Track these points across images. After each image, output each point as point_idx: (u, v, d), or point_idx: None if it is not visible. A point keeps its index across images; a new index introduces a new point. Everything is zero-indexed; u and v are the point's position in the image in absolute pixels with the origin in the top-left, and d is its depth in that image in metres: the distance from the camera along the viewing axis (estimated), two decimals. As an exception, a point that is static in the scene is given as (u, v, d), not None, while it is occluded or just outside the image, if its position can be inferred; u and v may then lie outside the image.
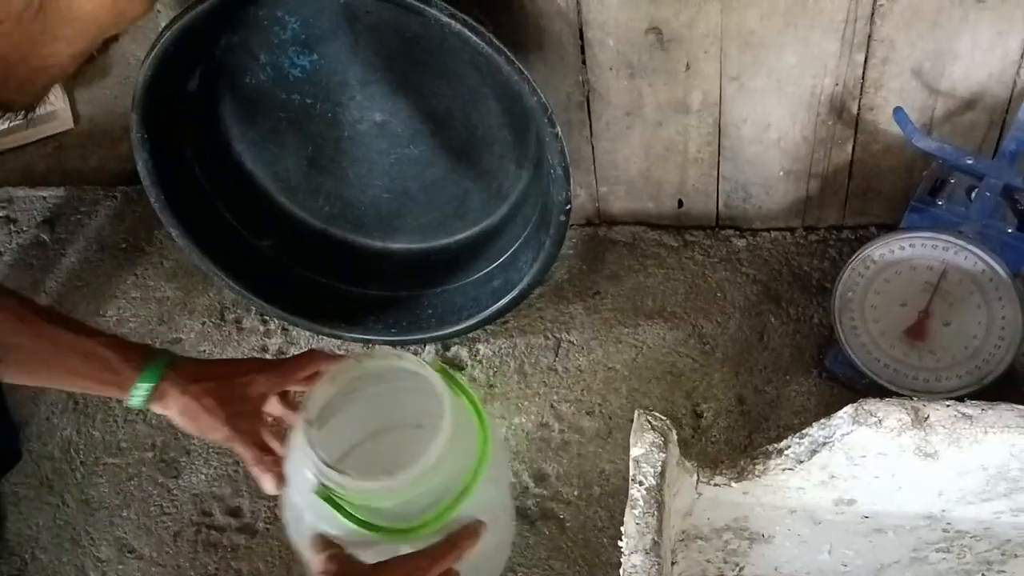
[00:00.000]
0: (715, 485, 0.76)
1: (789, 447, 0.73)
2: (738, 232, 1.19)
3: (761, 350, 1.11)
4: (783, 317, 1.13)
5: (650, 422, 0.69)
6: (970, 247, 0.96)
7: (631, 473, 0.67)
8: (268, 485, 0.83)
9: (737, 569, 0.86)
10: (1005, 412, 0.68)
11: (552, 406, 1.09)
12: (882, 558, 0.81)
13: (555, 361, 1.13)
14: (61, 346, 0.81)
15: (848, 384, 1.06)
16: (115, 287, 1.23)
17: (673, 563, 0.85)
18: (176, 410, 0.82)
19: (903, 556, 0.80)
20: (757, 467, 0.74)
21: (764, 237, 1.18)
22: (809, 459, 0.72)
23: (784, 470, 0.74)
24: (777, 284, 1.15)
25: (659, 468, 0.67)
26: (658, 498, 0.66)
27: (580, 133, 1.11)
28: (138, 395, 0.81)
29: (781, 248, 1.18)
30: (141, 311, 1.21)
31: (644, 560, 0.63)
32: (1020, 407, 0.69)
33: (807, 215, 1.17)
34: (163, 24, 0.94)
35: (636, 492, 0.66)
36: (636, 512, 0.65)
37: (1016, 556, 0.78)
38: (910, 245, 0.99)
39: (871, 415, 0.70)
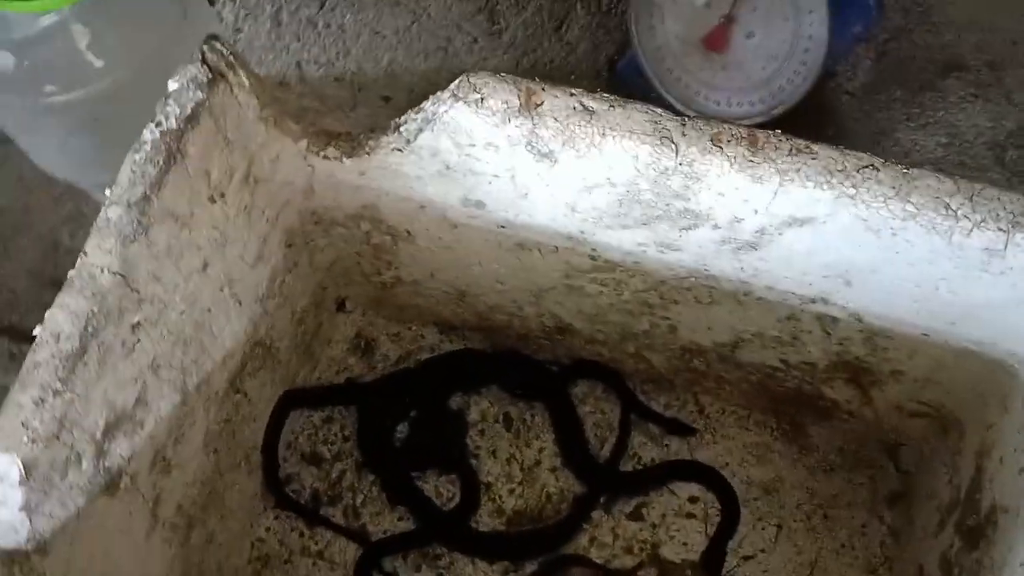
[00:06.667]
0: (325, 158, 0.62)
1: (405, 123, 0.59)
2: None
3: (556, 41, 0.94)
4: (591, 7, 0.94)
5: (204, 53, 0.54)
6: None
7: (155, 111, 0.53)
8: None
9: (392, 268, 0.74)
10: (635, 113, 0.52)
11: (298, 64, 0.94)
12: (536, 280, 0.68)
13: (318, 15, 0.96)
14: None
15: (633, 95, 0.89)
16: None
17: (318, 248, 0.73)
18: None
19: (557, 282, 0.67)
20: (370, 142, 0.60)
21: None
22: (415, 139, 0.58)
23: (394, 149, 0.59)
24: (597, -35, 0.96)
25: (189, 111, 0.53)
26: (172, 147, 0.52)
27: None
28: None
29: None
30: None
31: (123, 215, 0.51)
32: (656, 110, 0.53)
33: None
34: None
35: (148, 133, 0.52)
36: (137, 156, 0.52)
37: (676, 302, 0.65)
38: (717, -74, 0.79)
39: (473, 90, 0.54)
